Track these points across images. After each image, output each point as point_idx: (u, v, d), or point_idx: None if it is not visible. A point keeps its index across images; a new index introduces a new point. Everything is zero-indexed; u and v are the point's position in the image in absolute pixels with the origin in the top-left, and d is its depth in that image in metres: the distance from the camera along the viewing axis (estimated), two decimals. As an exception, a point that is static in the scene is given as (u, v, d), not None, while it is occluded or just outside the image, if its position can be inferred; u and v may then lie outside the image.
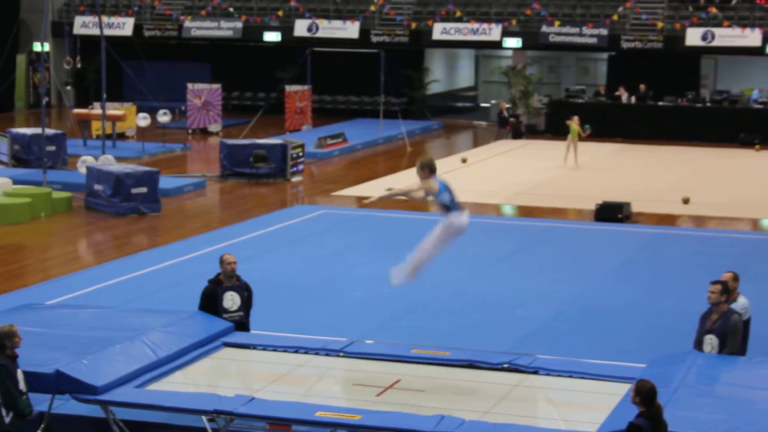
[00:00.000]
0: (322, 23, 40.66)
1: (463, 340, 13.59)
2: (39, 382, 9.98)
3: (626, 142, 35.94)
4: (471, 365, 11.31)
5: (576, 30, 38.28)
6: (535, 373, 11.14)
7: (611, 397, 10.27)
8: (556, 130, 35.92)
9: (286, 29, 41.11)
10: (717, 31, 37.06)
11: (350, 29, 40.45)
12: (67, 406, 10.77)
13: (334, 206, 24.39)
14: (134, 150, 31.53)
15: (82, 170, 25.09)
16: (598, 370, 11.20)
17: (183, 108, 37.40)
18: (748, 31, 36.87)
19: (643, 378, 8.83)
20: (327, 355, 11.68)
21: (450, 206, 10.84)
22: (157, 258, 18.92)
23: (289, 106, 36.68)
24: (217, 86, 37.49)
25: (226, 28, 41.50)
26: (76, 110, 33.87)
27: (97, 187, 23.46)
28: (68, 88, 38.99)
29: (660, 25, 37.93)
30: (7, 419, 9.46)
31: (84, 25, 41.95)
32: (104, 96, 30.02)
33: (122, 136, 34.11)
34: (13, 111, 41.74)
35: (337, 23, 40.62)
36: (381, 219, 22.80)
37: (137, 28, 41.94)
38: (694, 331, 11.21)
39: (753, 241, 21.43)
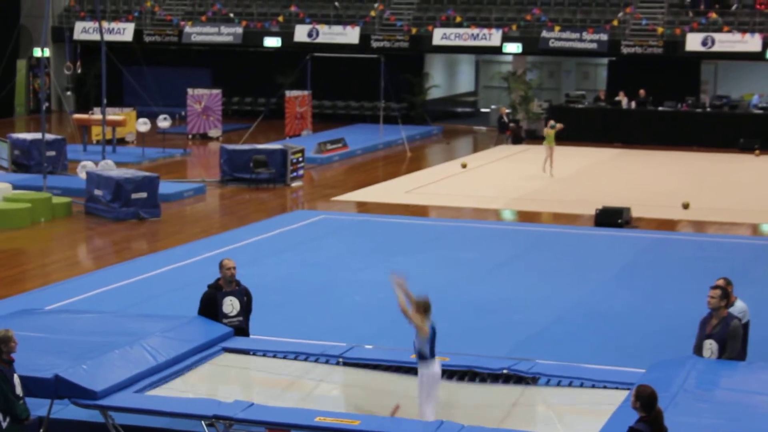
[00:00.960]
0: (323, 29, 40.69)
1: (463, 345, 13.58)
2: (38, 387, 9.97)
3: (626, 147, 35.94)
4: (470, 370, 11.31)
5: (576, 35, 38.30)
6: (535, 378, 11.13)
7: (611, 402, 10.25)
8: (556, 136, 35.86)
9: (287, 35, 41.15)
10: (717, 36, 37.09)
11: (350, 34, 40.47)
12: (66, 411, 10.77)
13: (334, 211, 24.38)
14: (134, 155, 31.54)
15: (82, 175, 25.09)
16: (597, 375, 11.19)
17: (183, 113, 37.42)
18: (748, 36, 36.90)
19: (643, 383, 8.81)
20: (326, 360, 11.67)
21: (427, 355, 10.60)
22: (156, 263, 18.92)
23: (289, 111, 36.69)
24: (217, 91, 37.51)
25: (227, 34, 41.53)
26: (77, 115, 33.88)
27: (97, 192, 23.47)
28: (68, 93, 39.01)
29: (660, 30, 37.96)
30: (5, 424, 9.46)
31: (84, 30, 41.98)
32: (104, 101, 30.05)
33: (122, 142, 34.13)
34: (14, 116, 41.78)
35: (338, 28, 40.65)
36: (381, 224, 22.80)
37: (137, 33, 41.99)
38: (694, 336, 11.21)
39: (753, 246, 21.42)
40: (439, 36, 39.65)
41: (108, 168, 25.59)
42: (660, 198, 26.21)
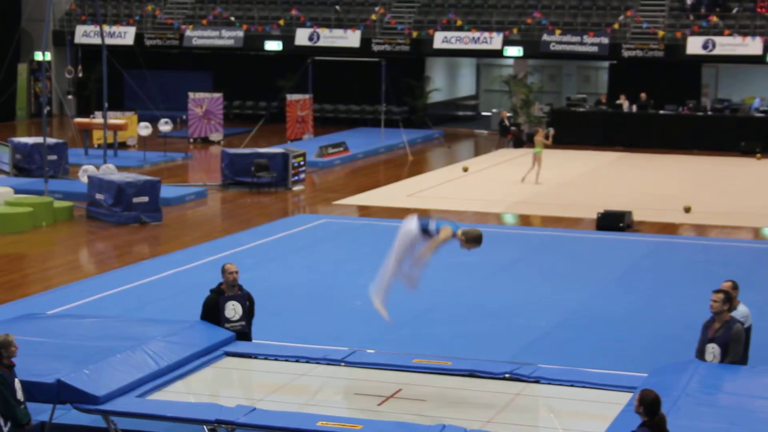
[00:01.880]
0: (323, 32, 40.70)
1: (465, 349, 13.59)
2: (40, 391, 9.96)
3: (627, 150, 35.94)
4: (472, 374, 11.29)
5: (577, 39, 38.31)
6: (537, 382, 11.11)
7: (613, 406, 10.24)
8: (558, 139, 35.92)
9: (287, 38, 41.17)
10: (718, 39, 37.09)
11: (351, 38, 40.49)
12: (68, 416, 10.77)
13: (336, 215, 24.38)
14: (135, 159, 31.55)
15: (84, 179, 25.09)
16: (599, 379, 11.17)
17: (184, 117, 37.42)
18: (749, 39, 36.90)
19: (647, 387, 8.80)
20: (328, 364, 11.66)
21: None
22: (158, 267, 18.92)
23: (291, 115, 36.70)
24: (218, 95, 37.52)
25: (228, 37, 41.55)
26: (78, 119, 33.89)
27: (99, 196, 23.47)
28: (70, 97, 38.95)
29: (661, 33, 37.97)
30: (6, 429, 9.46)
31: (85, 34, 41.99)
32: (106, 105, 30.06)
33: (123, 146, 34.15)
34: (15, 120, 41.80)
35: (338, 32, 40.66)
36: (382, 228, 22.77)
37: (138, 37, 42.01)
38: (696, 340, 11.20)
39: (754, 250, 21.41)
40: (440, 39, 39.66)
41: (109, 172, 25.60)
42: (661, 202, 26.21)
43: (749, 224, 23.98)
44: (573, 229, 23.32)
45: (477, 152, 36.76)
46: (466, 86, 47.61)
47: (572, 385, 11.02)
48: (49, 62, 38.42)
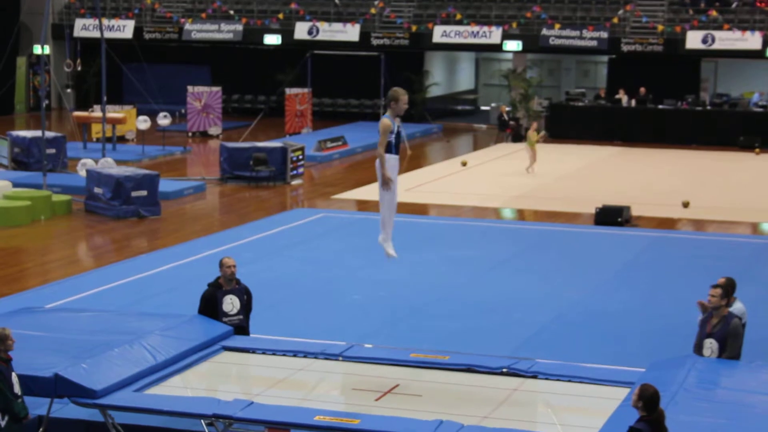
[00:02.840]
0: (323, 26, 40.67)
1: (462, 344, 13.58)
2: (38, 385, 9.97)
3: (626, 145, 35.94)
4: (470, 369, 11.29)
5: (576, 33, 38.28)
6: (535, 377, 11.12)
7: (610, 401, 10.25)
8: (556, 134, 35.95)
9: (287, 32, 41.13)
10: (717, 34, 37.08)
11: (350, 32, 40.45)
12: (65, 410, 10.77)
13: (334, 209, 24.38)
14: (134, 153, 31.52)
15: (82, 173, 25.09)
16: (597, 374, 11.18)
17: (183, 111, 37.41)
18: (748, 34, 36.88)
19: (646, 382, 8.79)
20: (326, 359, 11.66)
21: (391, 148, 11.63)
22: (156, 261, 18.91)
23: (289, 109, 36.67)
24: (217, 89, 37.49)
25: (227, 31, 41.51)
26: (76, 113, 33.86)
27: (97, 190, 23.46)
28: (68, 90, 38.98)
29: (660, 28, 37.94)
30: (3, 423, 9.46)
31: (84, 27, 41.96)
32: (104, 99, 30.05)
33: (122, 139, 34.13)
34: (13, 114, 41.74)
35: (338, 26, 40.63)
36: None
37: (137, 30, 41.96)
38: (694, 335, 11.20)
39: (752, 245, 21.41)
40: (439, 33, 39.63)
41: (108, 166, 25.59)
42: (660, 196, 26.21)
43: (747, 219, 23.97)
44: (571, 223, 23.32)
45: (476, 146, 36.74)
46: (465, 80, 47.58)
47: (570, 381, 11.03)
48: (47, 56, 38.44)
